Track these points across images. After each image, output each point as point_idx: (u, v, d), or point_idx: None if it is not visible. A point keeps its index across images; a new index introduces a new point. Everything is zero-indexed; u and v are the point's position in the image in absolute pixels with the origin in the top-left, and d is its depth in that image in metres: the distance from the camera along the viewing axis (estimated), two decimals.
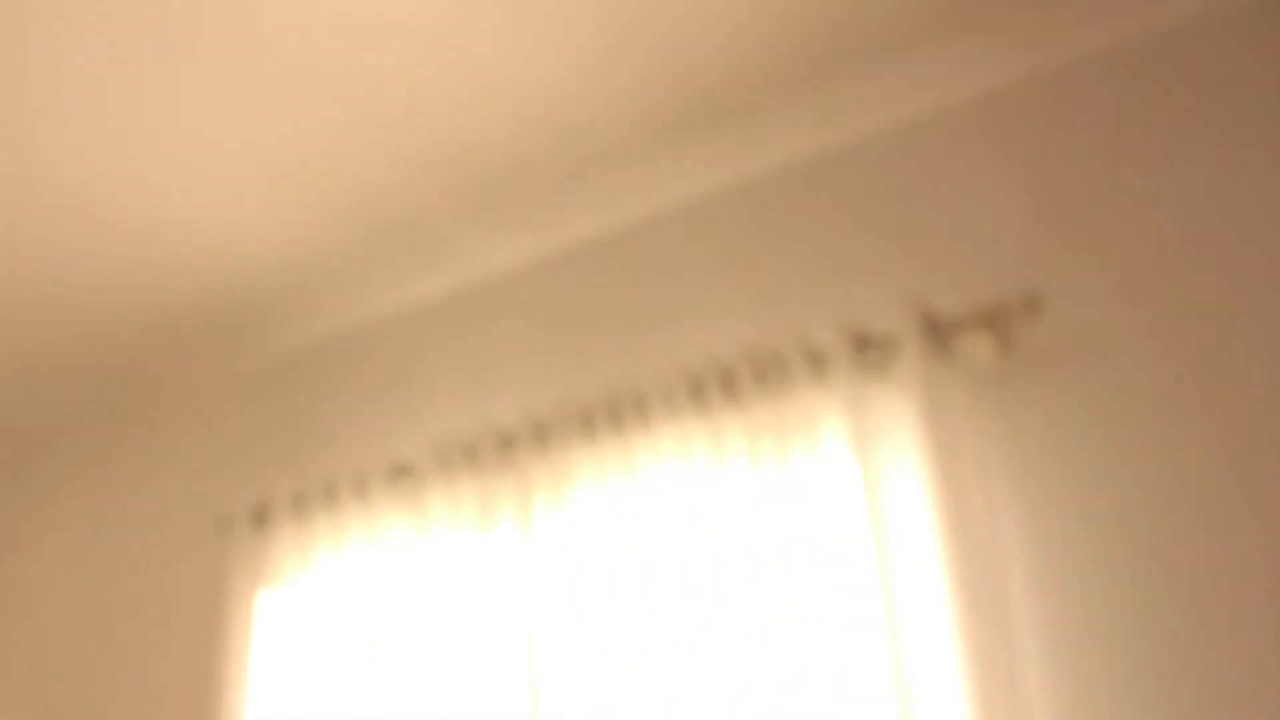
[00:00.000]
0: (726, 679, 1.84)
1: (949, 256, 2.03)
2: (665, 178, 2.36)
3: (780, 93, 2.19)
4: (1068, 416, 1.83)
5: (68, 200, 2.35)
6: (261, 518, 2.49)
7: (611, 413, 2.11)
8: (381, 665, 2.19)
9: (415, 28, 1.98)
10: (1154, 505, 1.72)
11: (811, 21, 2.01)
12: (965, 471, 1.81)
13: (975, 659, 1.64)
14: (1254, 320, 1.74)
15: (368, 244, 2.57)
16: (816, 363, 1.95)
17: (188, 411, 2.95)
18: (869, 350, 1.92)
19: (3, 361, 2.87)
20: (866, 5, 1.99)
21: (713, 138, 2.29)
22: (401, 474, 2.33)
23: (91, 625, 2.85)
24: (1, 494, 3.22)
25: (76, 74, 2.03)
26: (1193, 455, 1.72)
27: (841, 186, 2.19)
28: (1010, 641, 1.69)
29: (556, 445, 2.16)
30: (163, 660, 2.68)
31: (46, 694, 2.83)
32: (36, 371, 2.92)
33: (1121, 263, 1.88)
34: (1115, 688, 1.66)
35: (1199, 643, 1.63)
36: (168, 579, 2.77)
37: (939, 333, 1.89)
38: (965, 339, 1.89)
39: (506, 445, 2.21)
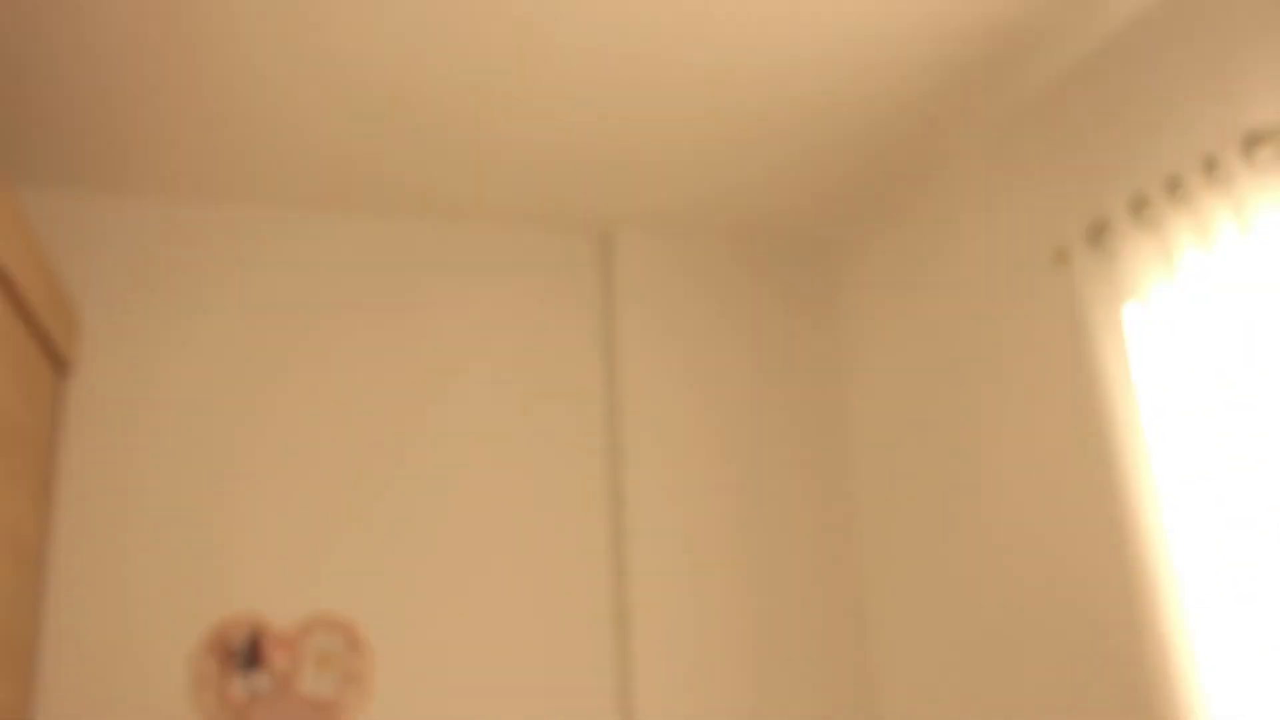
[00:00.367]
0: None
1: None
2: None
3: None
4: None
5: None
6: (1099, 234, 2.30)
7: None
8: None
9: None
10: None
11: None
12: None
13: None
14: None
15: None
16: None
17: (986, 148, 2.85)
18: None
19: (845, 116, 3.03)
20: None
21: None
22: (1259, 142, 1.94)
23: (938, 375, 2.95)
24: (833, 266, 3.48)
25: None
26: None
27: None
28: None
29: None
30: (1020, 398, 2.67)
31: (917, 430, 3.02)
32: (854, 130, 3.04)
33: None
34: None
35: None
36: (1012, 316, 2.74)
37: None
38: None
39: None
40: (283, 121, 2.69)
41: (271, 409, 2.92)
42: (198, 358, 2.91)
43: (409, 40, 2.43)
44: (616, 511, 3.12)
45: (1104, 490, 2.36)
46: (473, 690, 2.87)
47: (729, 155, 3.01)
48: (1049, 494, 2.59)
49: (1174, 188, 2.15)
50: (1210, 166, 2.07)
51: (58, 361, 2.69)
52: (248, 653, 2.70)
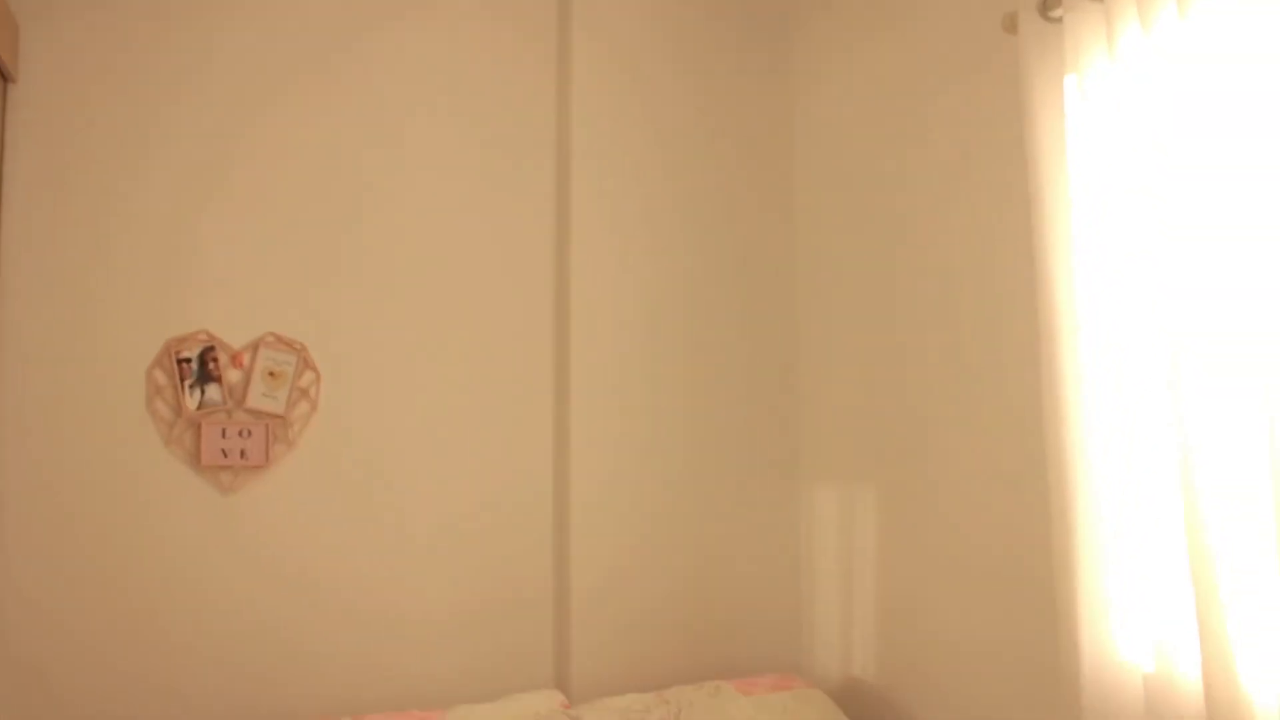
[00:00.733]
0: None
1: None
2: None
3: None
4: None
5: None
6: (1047, 4, 2.32)
7: None
8: (1197, 168, 1.98)
9: None
10: None
11: None
12: None
13: None
14: None
15: None
16: None
17: None
18: None
19: None
20: None
21: None
22: None
23: (883, 131, 3.02)
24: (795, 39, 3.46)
25: None
26: None
27: None
28: None
29: None
30: (965, 156, 2.76)
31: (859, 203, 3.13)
32: None
33: None
34: None
35: None
36: (959, 80, 2.78)
37: None
38: None
39: None
40: None
41: (227, 130, 2.89)
42: (152, 75, 2.85)
43: None
44: (563, 245, 3.22)
45: (1027, 255, 2.49)
46: (414, 408, 3.05)
47: None
48: (976, 259, 2.74)
49: None
50: None
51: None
52: (201, 367, 2.82)
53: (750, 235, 3.45)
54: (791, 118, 3.53)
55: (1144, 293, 2.13)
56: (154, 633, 2.75)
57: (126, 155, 2.80)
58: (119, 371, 2.75)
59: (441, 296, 3.10)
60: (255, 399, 2.85)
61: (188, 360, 2.80)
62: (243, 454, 2.83)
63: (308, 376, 2.92)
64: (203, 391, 2.81)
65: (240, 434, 2.83)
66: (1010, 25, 2.48)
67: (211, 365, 2.82)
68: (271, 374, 2.87)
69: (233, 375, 2.84)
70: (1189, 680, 2.04)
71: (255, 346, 2.87)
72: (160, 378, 2.79)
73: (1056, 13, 2.38)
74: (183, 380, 2.79)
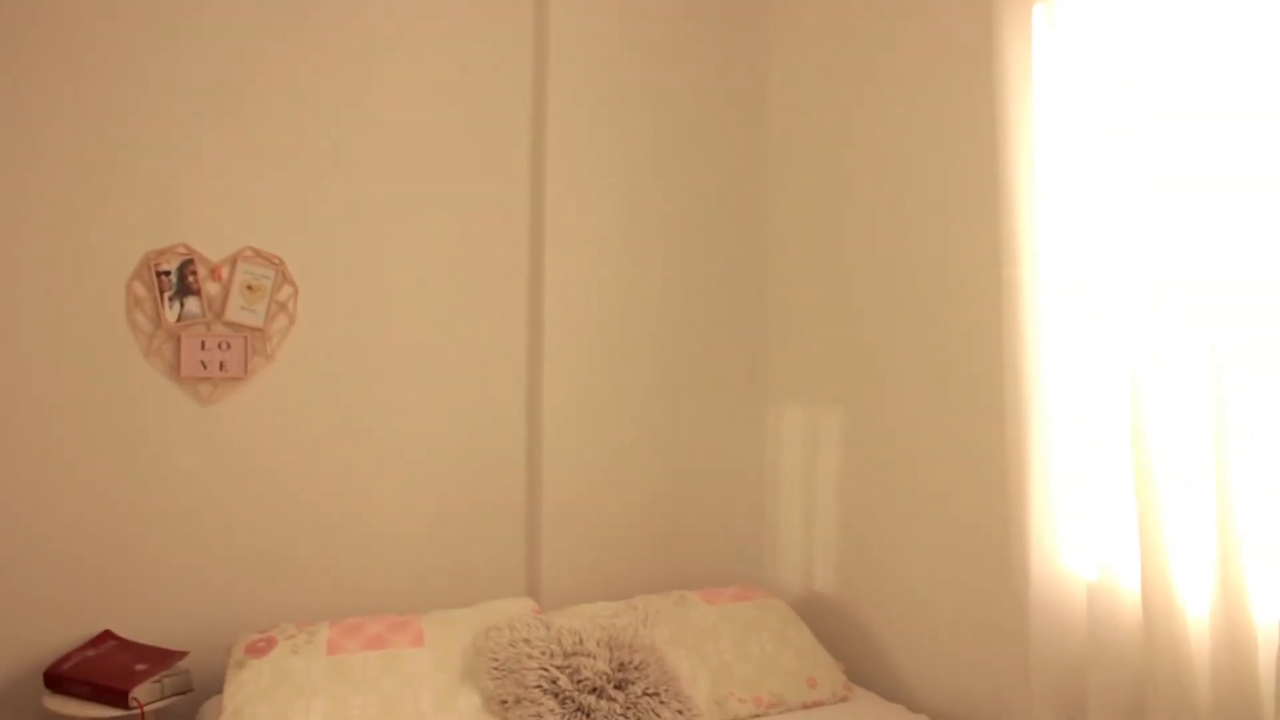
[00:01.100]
0: None
1: None
2: None
3: None
4: None
5: None
6: None
7: None
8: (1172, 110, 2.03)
9: None
10: None
11: None
12: None
13: None
14: None
15: None
16: None
17: None
18: None
19: None
20: None
21: None
22: None
23: (852, 60, 3.06)
24: None
25: None
26: None
27: None
28: None
29: None
30: (933, 87, 2.81)
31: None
32: None
33: None
34: None
35: None
36: (929, 6, 2.82)
37: None
38: None
39: None
40: None
41: (208, 50, 2.89)
42: None
43: None
44: (539, 168, 3.25)
45: (991, 184, 2.55)
46: (391, 324, 3.10)
47: None
48: (941, 186, 2.80)
49: None
50: None
51: None
52: (180, 280, 2.85)
53: (722, 161, 3.49)
54: (766, 43, 3.54)
55: (1104, 227, 2.21)
56: (133, 539, 2.81)
57: (109, 72, 2.79)
58: (98, 283, 2.78)
59: (419, 214, 3.13)
60: (234, 312, 2.89)
61: (167, 273, 2.83)
62: (222, 366, 2.88)
63: (286, 290, 2.96)
64: (182, 304, 2.84)
65: (219, 346, 2.88)
66: None
67: (190, 278, 2.85)
68: (250, 288, 2.91)
69: (211, 288, 2.88)
70: (1128, 589, 2.17)
71: (234, 260, 2.89)
72: (140, 290, 2.82)
73: None
74: (162, 293, 2.82)
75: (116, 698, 2.56)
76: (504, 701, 2.49)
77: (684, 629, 2.84)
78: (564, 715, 2.45)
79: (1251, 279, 1.96)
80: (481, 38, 3.23)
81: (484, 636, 2.64)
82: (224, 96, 2.90)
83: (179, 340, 2.84)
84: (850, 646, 3.08)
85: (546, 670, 2.52)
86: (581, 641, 2.60)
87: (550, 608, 3.00)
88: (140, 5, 2.82)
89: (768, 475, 3.49)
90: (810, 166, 3.34)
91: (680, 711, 2.53)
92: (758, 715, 2.73)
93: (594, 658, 2.56)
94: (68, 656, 2.67)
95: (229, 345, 2.89)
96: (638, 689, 2.53)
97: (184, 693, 2.70)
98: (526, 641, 2.59)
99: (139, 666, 2.64)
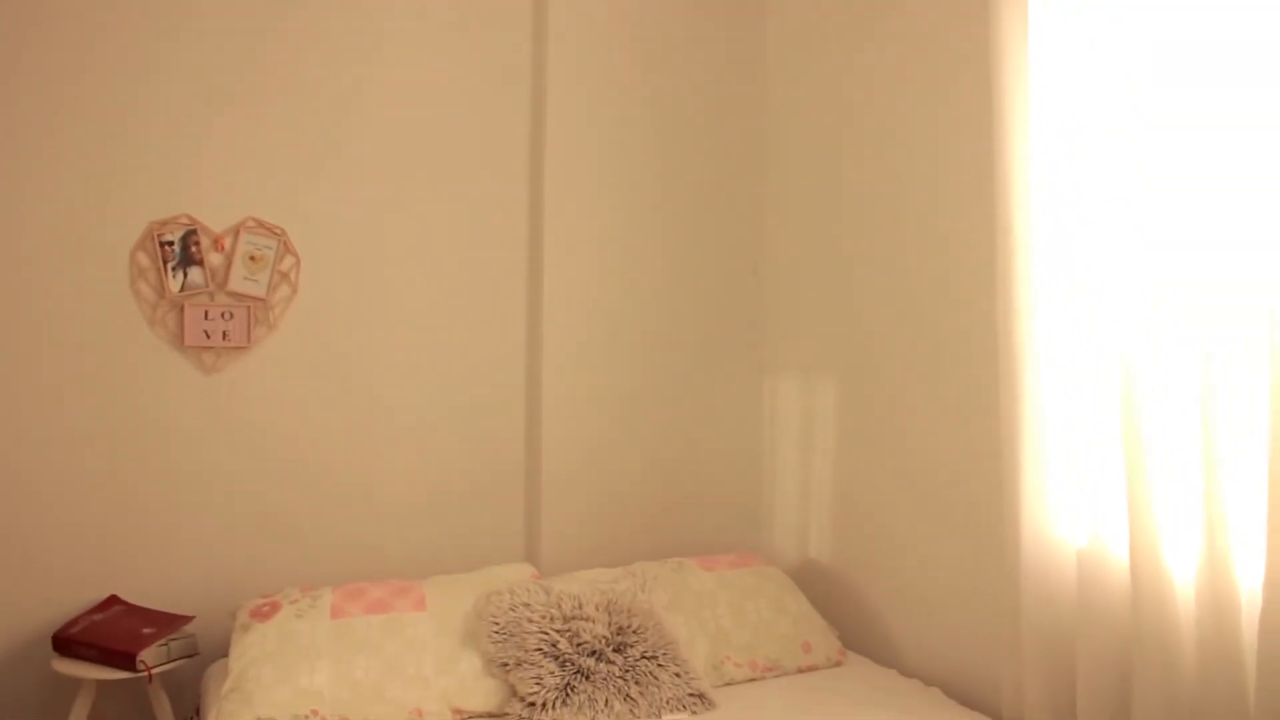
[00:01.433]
0: None
1: None
2: None
3: None
4: None
5: None
6: None
7: None
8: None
9: None
10: None
11: None
12: None
13: None
14: None
15: None
16: None
17: None
18: None
19: None
20: None
21: None
22: None
23: (850, 38, 3.08)
24: None
25: None
26: None
27: None
28: None
29: None
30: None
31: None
32: None
33: None
34: None
35: None
36: None
37: None
38: None
39: None
40: None
41: (214, 25, 2.89)
42: None
43: None
44: (538, 141, 3.26)
45: (988, 164, 2.57)
46: (392, 294, 3.13)
47: None
48: (938, 165, 2.83)
49: None
50: None
51: None
52: (183, 250, 2.88)
53: (720, 137, 3.50)
54: (764, 21, 3.55)
55: (1097, 210, 2.23)
56: (138, 506, 2.86)
57: (116, 44, 2.80)
58: (103, 253, 2.81)
59: (420, 186, 3.15)
60: (237, 282, 2.92)
61: (170, 243, 2.85)
62: (225, 335, 2.91)
63: (288, 261, 2.99)
64: (185, 274, 2.87)
65: (222, 316, 2.91)
66: None
67: (194, 248, 2.88)
68: (252, 258, 2.93)
69: (214, 258, 2.90)
70: (1117, 556, 2.21)
71: (236, 231, 2.92)
72: (143, 260, 2.84)
73: None
74: (165, 263, 2.85)
75: (124, 660, 2.61)
76: (505, 664, 2.54)
77: (682, 595, 2.89)
78: (564, 677, 2.50)
79: (1239, 270, 1.99)
80: (484, 12, 3.24)
81: (485, 601, 2.69)
82: (229, 70, 2.92)
83: (182, 310, 2.87)
84: (844, 613, 3.13)
85: (546, 634, 2.56)
86: (581, 606, 2.65)
87: (549, 574, 3.04)
88: None
89: (764, 446, 3.53)
90: (808, 144, 3.36)
91: (678, 675, 2.58)
92: (754, 679, 2.79)
93: (593, 622, 2.61)
94: (75, 621, 2.71)
95: (232, 315, 2.92)
96: (636, 652, 2.58)
97: (190, 656, 2.75)
98: (527, 606, 2.64)
99: (146, 630, 2.69)
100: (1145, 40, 2.14)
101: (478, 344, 3.24)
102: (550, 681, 2.48)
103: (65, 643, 2.67)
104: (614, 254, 3.33)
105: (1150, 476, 2.11)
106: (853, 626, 3.10)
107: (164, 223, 2.85)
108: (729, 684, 2.75)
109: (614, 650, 2.58)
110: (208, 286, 2.89)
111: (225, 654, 2.72)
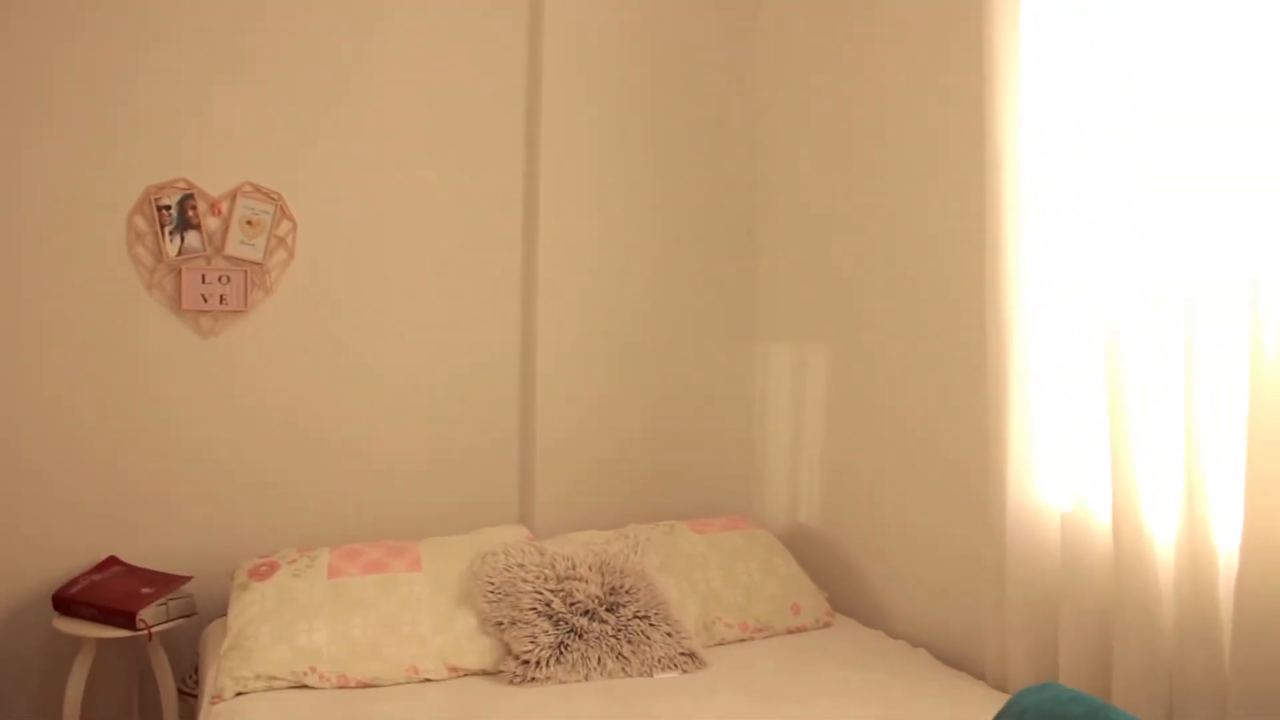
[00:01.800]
0: None
1: None
2: None
3: None
4: None
5: None
6: None
7: None
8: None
9: None
10: None
11: None
12: None
13: None
14: None
15: None
16: None
17: None
18: None
19: None
20: None
21: None
22: None
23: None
24: None
25: None
26: None
27: None
28: None
29: None
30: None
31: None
32: None
33: None
34: None
35: None
36: None
37: None
38: None
39: None
40: None
41: None
42: None
43: None
44: (534, 108, 3.27)
45: (978, 139, 2.59)
46: (388, 259, 3.15)
47: None
48: (930, 138, 2.85)
49: None
50: None
51: None
52: (180, 214, 2.89)
53: (716, 103, 3.51)
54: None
55: (1084, 174, 2.26)
56: (135, 470, 2.89)
57: (114, 8, 2.80)
58: (100, 217, 2.82)
59: (416, 153, 3.16)
60: (234, 246, 2.94)
61: (167, 207, 2.87)
62: (222, 299, 2.93)
63: (285, 226, 3.00)
64: (182, 238, 2.89)
65: (219, 280, 2.93)
66: None
67: (191, 213, 2.89)
68: (249, 222, 2.95)
69: (211, 223, 2.92)
70: (1100, 520, 2.26)
71: (233, 195, 2.93)
72: (141, 224, 2.86)
73: None
74: (163, 227, 2.86)
75: (124, 619, 2.65)
76: (499, 623, 2.59)
77: (673, 557, 2.94)
78: (557, 636, 2.55)
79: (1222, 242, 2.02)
80: None
81: (480, 562, 2.73)
82: (227, 35, 2.92)
83: (179, 274, 2.89)
84: (833, 576, 3.18)
85: (540, 593, 2.61)
86: (574, 566, 2.70)
87: (543, 537, 3.09)
88: None
89: (756, 412, 3.57)
90: (800, 114, 3.37)
91: (669, 634, 2.63)
92: (744, 639, 2.84)
93: (586, 582, 2.66)
94: (75, 581, 2.75)
95: (229, 279, 2.94)
96: (628, 612, 2.63)
97: (188, 616, 2.79)
98: (521, 566, 2.69)
99: (145, 590, 2.72)
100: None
101: (473, 310, 3.26)
102: (544, 640, 2.53)
103: (65, 602, 2.71)
104: (610, 222, 3.35)
105: (1133, 443, 2.16)
106: (841, 589, 3.15)
107: (161, 187, 2.86)
108: (720, 644, 2.80)
109: (607, 610, 2.63)
110: (205, 251, 2.91)
111: (223, 614, 2.76)
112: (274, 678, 2.42)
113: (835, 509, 3.23)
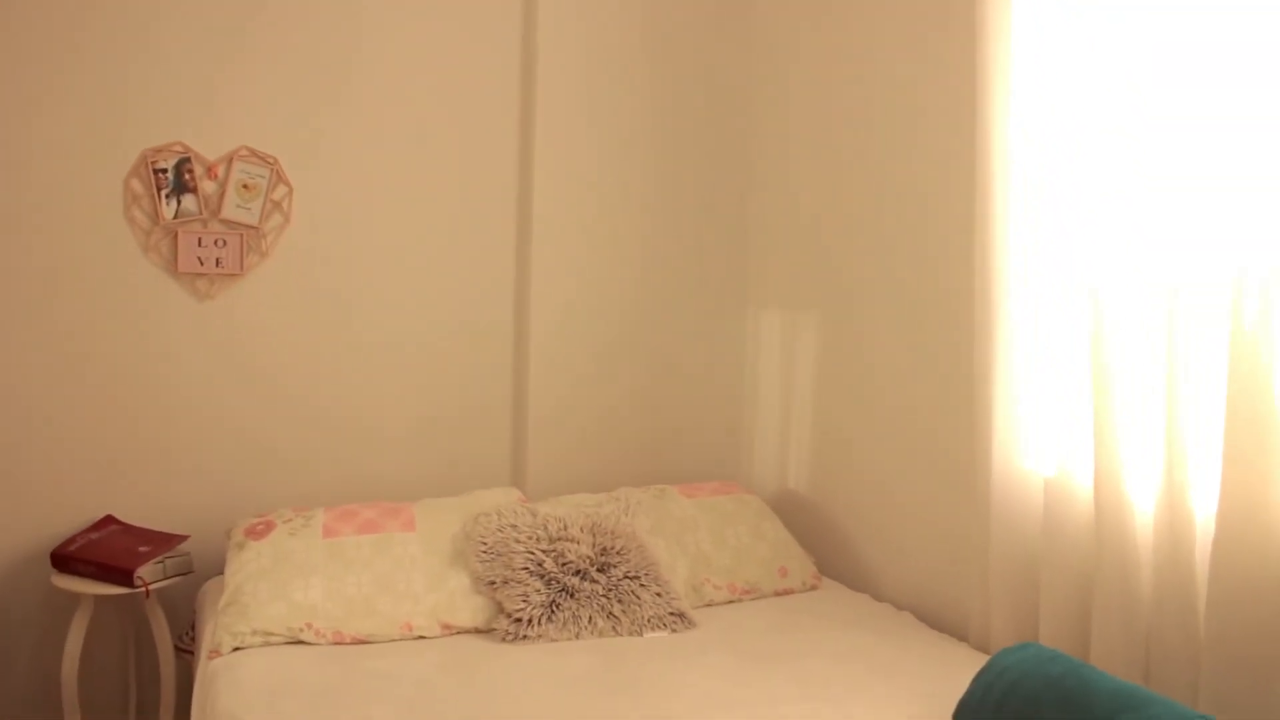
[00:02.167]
0: None
1: None
2: None
3: None
4: None
5: None
6: None
7: None
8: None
9: None
10: None
11: None
12: None
13: None
14: None
15: None
16: None
17: None
18: None
19: None
20: None
21: None
22: None
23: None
24: None
25: None
26: None
27: None
28: None
29: None
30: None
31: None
32: None
33: None
34: None
35: None
36: None
37: None
38: None
39: None
40: None
41: None
42: None
43: None
44: (529, 75, 3.28)
45: (970, 110, 2.61)
46: (383, 224, 3.17)
47: None
48: (921, 108, 2.87)
49: None
50: None
51: None
52: (177, 178, 2.90)
53: (711, 69, 3.52)
54: None
55: (1068, 147, 2.29)
56: (133, 429, 2.92)
57: None
58: (96, 180, 2.84)
59: (412, 118, 3.18)
60: (230, 210, 2.95)
61: (164, 171, 2.88)
62: (218, 263, 2.95)
63: (280, 190, 3.02)
64: (179, 201, 2.91)
65: (216, 243, 2.95)
66: None
67: (187, 176, 2.91)
68: (245, 186, 2.97)
69: (208, 186, 2.94)
70: (1082, 485, 2.31)
71: (229, 159, 2.95)
72: (137, 187, 2.87)
73: None
74: (159, 190, 2.88)
75: (122, 577, 2.69)
76: (492, 582, 2.64)
77: (663, 519, 2.98)
78: (549, 595, 2.59)
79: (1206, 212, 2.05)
80: None
81: (473, 522, 2.78)
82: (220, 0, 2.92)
83: (176, 237, 2.91)
84: (820, 540, 3.24)
85: (533, 554, 2.66)
86: (566, 528, 2.74)
87: (535, 499, 3.13)
88: None
89: (746, 378, 3.61)
90: (792, 86, 3.39)
91: (659, 594, 2.68)
92: (732, 601, 2.89)
93: (578, 543, 2.70)
94: (73, 539, 2.79)
95: (225, 242, 2.96)
96: (619, 572, 2.68)
97: (185, 574, 2.83)
98: (514, 527, 2.73)
99: (142, 548, 2.77)
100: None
101: (467, 274, 3.28)
102: (536, 599, 2.58)
103: (64, 560, 2.75)
104: (603, 188, 3.37)
105: (1115, 411, 2.20)
106: (828, 553, 3.21)
107: (158, 150, 2.87)
108: (709, 605, 2.85)
109: (598, 570, 2.67)
110: (201, 214, 2.93)
111: (218, 573, 2.80)
112: (271, 633, 2.46)
113: (823, 475, 3.28)
